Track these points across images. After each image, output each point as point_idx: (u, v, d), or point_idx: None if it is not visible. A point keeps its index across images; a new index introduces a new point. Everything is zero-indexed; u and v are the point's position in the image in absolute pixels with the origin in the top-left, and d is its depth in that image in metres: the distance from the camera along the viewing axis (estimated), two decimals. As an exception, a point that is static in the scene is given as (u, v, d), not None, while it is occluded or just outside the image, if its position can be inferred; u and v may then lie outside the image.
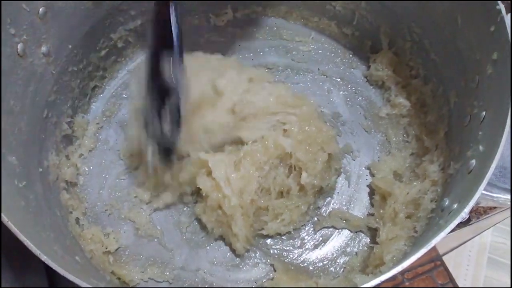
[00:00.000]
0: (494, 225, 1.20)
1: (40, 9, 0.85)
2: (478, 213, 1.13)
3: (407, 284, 1.12)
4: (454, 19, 0.87)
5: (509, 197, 0.95)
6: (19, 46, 0.82)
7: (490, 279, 1.14)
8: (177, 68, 0.83)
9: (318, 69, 1.16)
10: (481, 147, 0.73)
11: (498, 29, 0.76)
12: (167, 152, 0.92)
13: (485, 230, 1.21)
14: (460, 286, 1.12)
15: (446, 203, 0.76)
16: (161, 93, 0.84)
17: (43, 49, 0.88)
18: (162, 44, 0.83)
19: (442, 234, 0.61)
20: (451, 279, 1.13)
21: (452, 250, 1.17)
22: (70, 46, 0.96)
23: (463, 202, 0.66)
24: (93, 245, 0.92)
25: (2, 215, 0.63)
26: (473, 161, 0.73)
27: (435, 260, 1.14)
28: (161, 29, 0.84)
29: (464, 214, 0.62)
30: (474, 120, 0.80)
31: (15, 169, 0.78)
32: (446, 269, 1.14)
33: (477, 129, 0.77)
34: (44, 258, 0.60)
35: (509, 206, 1.08)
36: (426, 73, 1.02)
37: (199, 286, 0.94)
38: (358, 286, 0.81)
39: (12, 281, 0.89)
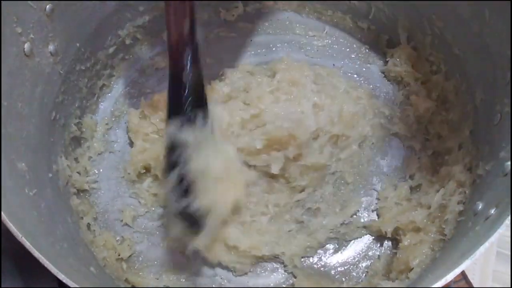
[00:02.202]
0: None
1: (47, 6, 0.82)
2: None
3: (419, 282, 1.10)
4: (481, 11, 0.83)
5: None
6: (26, 45, 0.78)
7: (498, 273, 1.11)
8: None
9: (333, 65, 1.12)
10: (517, 149, 0.69)
11: (532, 22, 0.72)
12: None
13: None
14: (471, 282, 1.09)
15: (480, 207, 0.72)
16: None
17: (50, 48, 0.85)
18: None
19: (487, 244, 0.57)
20: (464, 276, 1.10)
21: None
22: (77, 44, 0.93)
23: (503, 207, 0.63)
24: (106, 252, 0.89)
25: (15, 230, 0.59)
26: (509, 163, 0.70)
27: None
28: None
29: (508, 221, 0.58)
30: (506, 119, 0.76)
31: (25, 176, 0.74)
32: (460, 266, 1.11)
33: (510, 129, 0.73)
34: (62, 276, 0.56)
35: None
36: (448, 69, 0.98)
37: (217, 292, 0.91)
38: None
39: (20, 282, 0.86)
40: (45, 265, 0.58)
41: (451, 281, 1.06)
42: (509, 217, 0.59)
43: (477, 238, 0.62)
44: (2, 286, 0.85)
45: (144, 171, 0.98)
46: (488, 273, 1.11)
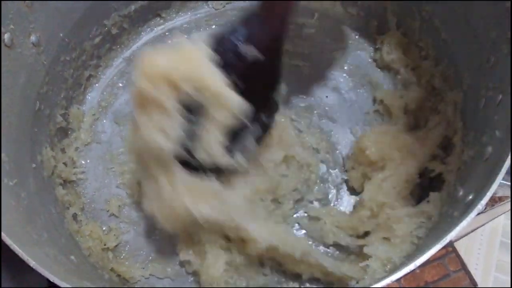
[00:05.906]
0: (508, 210, 1.17)
1: (27, -4, 0.81)
2: (493, 200, 1.09)
3: (418, 271, 1.09)
4: (466, -5, 0.82)
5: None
6: (6, 36, 0.78)
7: (502, 263, 1.11)
8: None
9: (322, 52, 1.10)
10: (497, 133, 0.68)
11: (515, 5, 0.70)
12: None
13: (498, 216, 1.18)
14: (471, 271, 1.09)
15: (460, 193, 0.71)
16: None
17: (33, 38, 0.85)
18: None
19: (458, 228, 0.57)
20: (463, 266, 1.10)
21: (464, 236, 1.14)
22: (61, 35, 0.93)
23: (479, 192, 0.62)
24: (91, 242, 0.89)
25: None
26: (489, 148, 0.69)
27: (446, 246, 1.10)
28: None
29: (480, 206, 0.58)
30: (489, 104, 0.75)
31: (5, 166, 0.75)
32: (458, 256, 1.11)
33: (493, 113, 0.72)
34: (33, 263, 0.57)
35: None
36: (437, 54, 0.96)
37: (203, 282, 0.91)
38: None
39: (12, 281, 0.87)
40: (16, 252, 0.58)
41: (450, 271, 1.07)
42: (483, 202, 0.58)
43: (453, 224, 0.61)
44: (2, 286, 0.86)
45: None
46: (491, 262, 1.11)
